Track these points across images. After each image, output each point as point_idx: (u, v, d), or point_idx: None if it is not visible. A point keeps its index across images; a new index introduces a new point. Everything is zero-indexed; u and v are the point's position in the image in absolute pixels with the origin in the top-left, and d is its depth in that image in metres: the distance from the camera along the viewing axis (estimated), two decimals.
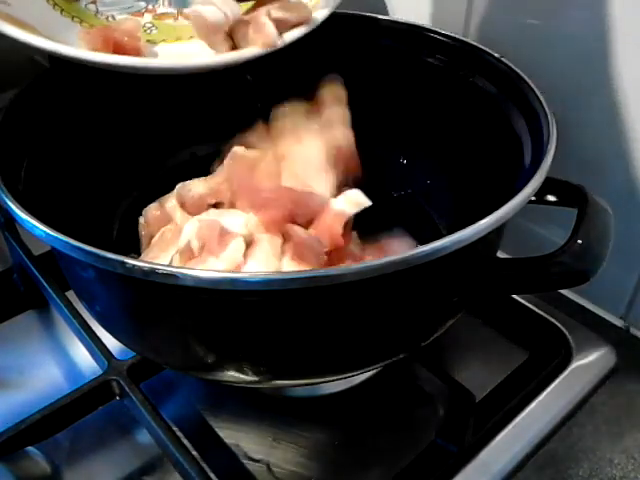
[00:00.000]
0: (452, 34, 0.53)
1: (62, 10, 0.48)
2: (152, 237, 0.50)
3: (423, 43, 0.54)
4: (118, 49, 0.44)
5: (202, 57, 0.46)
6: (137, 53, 0.45)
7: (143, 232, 0.51)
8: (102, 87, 0.54)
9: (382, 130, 0.59)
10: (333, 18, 0.57)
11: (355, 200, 0.50)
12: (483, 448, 0.44)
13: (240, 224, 0.44)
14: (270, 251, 0.42)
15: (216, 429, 0.47)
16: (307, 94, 0.58)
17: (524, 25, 0.52)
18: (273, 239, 0.44)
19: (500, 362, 0.52)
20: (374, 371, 0.50)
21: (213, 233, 0.43)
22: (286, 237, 0.45)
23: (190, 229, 0.45)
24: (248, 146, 0.52)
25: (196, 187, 0.52)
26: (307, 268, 0.42)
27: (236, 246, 0.42)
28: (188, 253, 0.43)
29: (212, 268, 0.41)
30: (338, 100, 0.54)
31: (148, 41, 0.50)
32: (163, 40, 0.51)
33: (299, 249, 0.43)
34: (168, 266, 0.32)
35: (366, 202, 0.50)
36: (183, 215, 0.51)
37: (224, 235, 0.42)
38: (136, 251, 0.51)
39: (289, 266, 0.42)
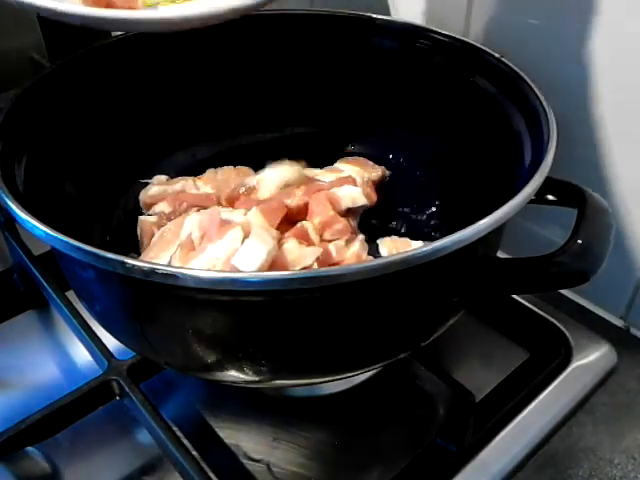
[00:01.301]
0: (452, 34, 0.53)
1: None
2: (152, 235, 0.50)
3: (423, 43, 0.54)
4: (111, 6, 0.42)
5: (200, 6, 0.44)
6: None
7: (144, 228, 0.52)
8: (102, 88, 0.54)
9: (382, 130, 0.59)
10: (333, 19, 0.58)
11: (352, 196, 0.51)
12: (483, 448, 0.44)
13: (239, 216, 0.45)
14: (265, 232, 0.43)
15: (216, 429, 0.47)
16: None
17: (524, 25, 0.52)
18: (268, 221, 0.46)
19: (500, 362, 0.52)
20: (374, 371, 0.50)
21: (213, 222, 0.44)
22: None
23: (191, 222, 0.45)
24: None
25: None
26: (306, 246, 0.45)
27: (235, 234, 0.42)
28: (189, 245, 0.44)
29: (211, 256, 0.42)
30: None
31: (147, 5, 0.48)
32: (158, 2, 0.50)
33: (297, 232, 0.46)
34: (168, 266, 0.32)
35: (361, 200, 0.52)
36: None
37: (224, 224, 0.43)
38: (136, 251, 0.51)
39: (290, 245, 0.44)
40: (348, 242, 0.49)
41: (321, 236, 0.49)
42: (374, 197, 0.55)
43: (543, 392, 0.48)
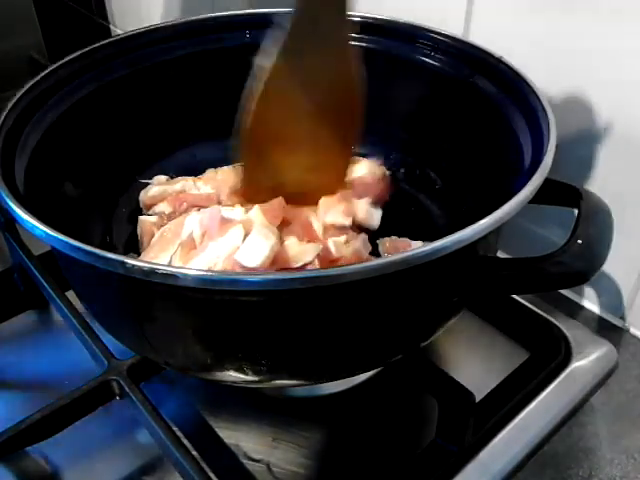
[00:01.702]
0: (452, 34, 0.53)
1: None
2: (152, 235, 0.50)
3: (423, 43, 0.54)
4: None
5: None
6: None
7: (144, 229, 0.52)
8: (102, 87, 0.54)
9: (382, 130, 0.59)
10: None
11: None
12: (483, 448, 0.44)
13: (240, 214, 0.46)
14: (267, 228, 0.44)
15: (216, 429, 0.47)
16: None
17: (524, 25, 0.52)
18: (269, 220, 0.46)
19: (500, 362, 0.52)
20: (374, 371, 0.50)
21: (214, 220, 0.44)
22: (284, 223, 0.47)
23: (192, 221, 0.45)
24: None
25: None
26: (307, 244, 0.45)
27: (236, 232, 0.43)
28: (190, 244, 0.44)
29: (212, 254, 0.42)
30: None
31: None
32: None
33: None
34: (168, 266, 0.32)
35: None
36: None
37: (225, 223, 0.44)
38: (136, 251, 0.51)
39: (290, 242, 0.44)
40: (349, 239, 0.49)
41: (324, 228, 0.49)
42: (387, 194, 0.56)
43: (543, 392, 0.48)
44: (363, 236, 0.50)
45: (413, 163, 0.58)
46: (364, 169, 0.56)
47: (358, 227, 0.53)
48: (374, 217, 0.53)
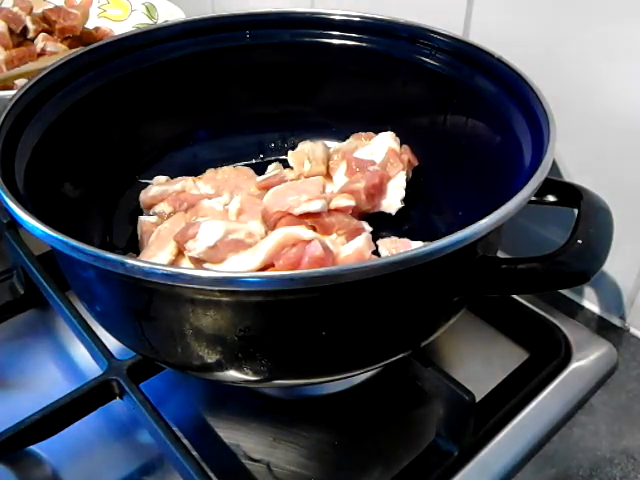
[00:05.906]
0: (452, 34, 0.53)
1: None
2: (151, 233, 0.50)
3: (423, 43, 0.54)
4: None
5: None
6: None
7: (144, 229, 0.52)
8: (102, 87, 0.54)
9: (381, 130, 0.59)
10: (333, 19, 0.58)
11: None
12: (483, 448, 0.44)
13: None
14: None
15: (216, 429, 0.47)
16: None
17: (524, 25, 0.52)
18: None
19: (500, 362, 0.52)
20: (374, 371, 0.50)
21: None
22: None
23: (208, 232, 0.45)
24: None
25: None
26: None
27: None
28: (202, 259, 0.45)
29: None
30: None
31: None
32: None
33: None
34: (168, 266, 0.32)
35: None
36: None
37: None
38: (136, 251, 0.51)
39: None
40: (351, 235, 0.49)
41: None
42: (415, 162, 0.57)
43: (543, 392, 0.48)
44: (367, 234, 0.50)
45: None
46: (384, 142, 0.57)
47: (359, 214, 0.53)
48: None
